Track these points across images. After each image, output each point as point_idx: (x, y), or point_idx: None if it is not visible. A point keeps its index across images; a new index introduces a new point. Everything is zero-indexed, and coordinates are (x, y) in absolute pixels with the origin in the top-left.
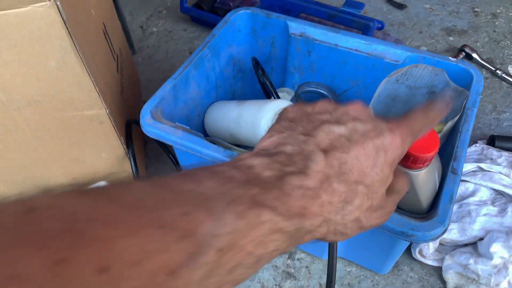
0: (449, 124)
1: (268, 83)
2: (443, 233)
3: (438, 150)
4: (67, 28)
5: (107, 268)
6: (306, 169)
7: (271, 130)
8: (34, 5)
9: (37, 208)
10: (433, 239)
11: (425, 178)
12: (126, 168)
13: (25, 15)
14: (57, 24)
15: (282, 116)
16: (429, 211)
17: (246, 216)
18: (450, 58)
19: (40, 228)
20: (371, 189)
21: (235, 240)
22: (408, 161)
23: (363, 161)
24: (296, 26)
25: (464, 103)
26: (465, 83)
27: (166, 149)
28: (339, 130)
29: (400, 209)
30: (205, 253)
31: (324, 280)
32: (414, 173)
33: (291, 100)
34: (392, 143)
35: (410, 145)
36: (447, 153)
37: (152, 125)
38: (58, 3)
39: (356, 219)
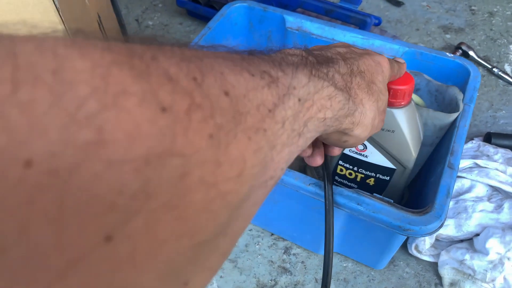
0: (452, 116)
1: None
2: (440, 227)
3: (414, 86)
4: (60, 16)
5: (228, 93)
6: (336, 63)
7: None
8: None
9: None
10: (430, 234)
11: (408, 116)
12: None
13: (18, 3)
14: (51, 12)
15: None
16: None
17: (312, 79)
18: (447, 53)
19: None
20: (380, 92)
21: (308, 95)
22: (389, 96)
23: (369, 67)
24: (293, 20)
25: (456, 97)
26: (462, 79)
27: None
28: (347, 49)
29: (391, 153)
30: (289, 99)
31: (320, 275)
32: (397, 110)
33: None
34: (384, 61)
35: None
36: (444, 148)
37: None
38: None
39: (375, 112)
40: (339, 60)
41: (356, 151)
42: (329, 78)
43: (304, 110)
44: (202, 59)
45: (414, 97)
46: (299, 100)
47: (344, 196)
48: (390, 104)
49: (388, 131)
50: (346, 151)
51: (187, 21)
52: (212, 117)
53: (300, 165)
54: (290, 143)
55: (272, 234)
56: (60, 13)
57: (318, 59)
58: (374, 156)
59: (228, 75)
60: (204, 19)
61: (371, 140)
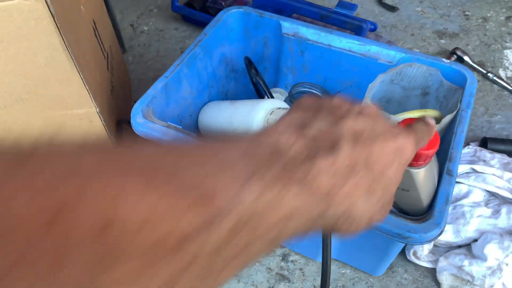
0: (447, 118)
1: (261, 82)
2: (440, 234)
3: (438, 148)
4: (55, 23)
5: (110, 224)
6: (336, 151)
7: (290, 113)
8: None
9: (36, 154)
10: (430, 241)
11: (425, 176)
12: None
13: (12, 9)
14: (45, 19)
15: (298, 104)
16: (428, 210)
17: (274, 188)
18: (444, 59)
19: (38, 174)
20: (388, 186)
21: (259, 210)
22: None
23: (383, 158)
24: (289, 26)
25: (459, 100)
26: (458, 84)
27: None
28: (364, 124)
29: (401, 208)
30: (224, 220)
31: (318, 282)
32: (415, 170)
33: (284, 101)
34: (407, 147)
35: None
36: (442, 154)
37: (143, 125)
38: None
39: (373, 211)
40: (345, 145)
41: None
42: (308, 181)
43: (248, 228)
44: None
45: (432, 112)
46: (241, 219)
47: None
48: (409, 165)
49: (403, 190)
50: None
51: (182, 26)
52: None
53: None
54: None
55: None
56: (55, 19)
57: (304, 150)
58: None
59: (130, 195)
60: (200, 24)
61: None
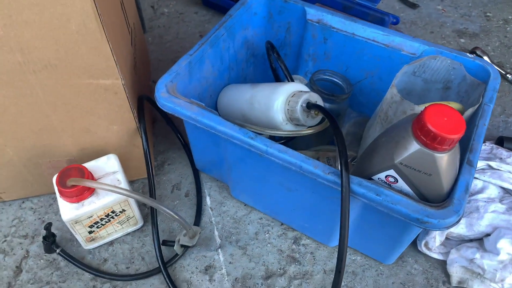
0: (470, 110)
1: (283, 66)
2: (458, 222)
3: (464, 133)
4: (95, 2)
5: None
6: None
7: None
8: None
9: None
10: (447, 227)
11: (448, 161)
12: (135, 142)
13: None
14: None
15: None
16: (447, 197)
17: None
18: (468, 54)
19: None
20: None
21: None
22: (435, 142)
23: None
24: (314, 13)
25: (481, 94)
26: (482, 80)
27: (176, 130)
28: None
29: (421, 193)
30: None
31: (328, 266)
32: (439, 155)
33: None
34: None
35: None
36: (462, 146)
37: (167, 99)
38: None
39: None
40: None
41: (385, 181)
42: None
43: None
44: None
45: (454, 104)
46: None
47: (363, 186)
48: (433, 148)
49: (425, 174)
50: (375, 178)
51: (202, 10)
52: None
53: (313, 156)
54: None
55: (282, 224)
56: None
57: None
58: (402, 187)
59: None
60: (219, 9)
61: (404, 176)
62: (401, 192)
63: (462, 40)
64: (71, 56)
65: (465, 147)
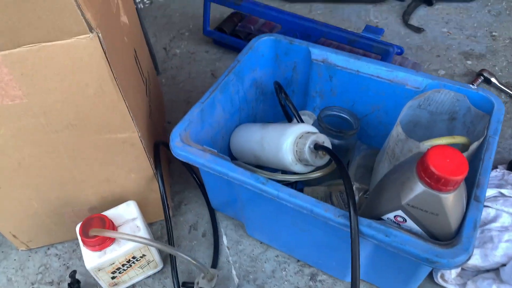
0: (475, 144)
1: (291, 106)
2: (468, 260)
3: (467, 174)
4: (106, 58)
5: None
6: None
7: None
8: (78, 37)
9: None
10: (457, 266)
11: (454, 201)
12: (153, 187)
13: (69, 46)
14: (98, 54)
15: None
16: (457, 234)
17: None
18: (471, 85)
19: None
20: None
21: None
22: (439, 183)
23: None
24: (318, 52)
25: (486, 126)
26: (485, 111)
27: (191, 170)
28: None
29: (430, 231)
30: None
31: None
32: (444, 195)
33: (313, 123)
34: None
35: None
36: (470, 180)
37: (181, 148)
38: (100, 35)
39: None
40: None
41: (394, 220)
42: None
43: None
44: None
45: (460, 138)
46: None
47: (373, 228)
48: (438, 189)
49: (432, 213)
50: (384, 217)
51: (212, 49)
52: None
53: (325, 191)
54: None
55: (298, 261)
56: (106, 54)
57: None
58: (411, 227)
59: None
60: (229, 47)
61: (412, 216)
62: (410, 231)
63: (469, 62)
64: (90, 116)
65: (472, 182)
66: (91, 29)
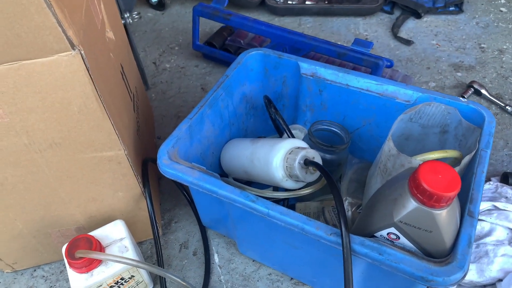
0: (466, 158)
1: (281, 120)
2: (463, 277)
3: (460, 189)
4: (89, 75)
5: None
6: None
7: None
8: (60, 54)
9: None
10: (453, 285)
11: (448, 217)
12: (142, 206)
13: (51, 64)
14: (81, 72)
15: None
16: (452, 250)
17: None
18: (461, 98)
19: None
20: None
21: None
22: (432, 200)
23: None
24: (307, 67)
25: (478, 139)
26: (476, 123)
27: (181, 187)
28: None
29: (424, 248)
30: None
31: None
32: (437, 212)
33: (303, 138)
34: None
35: None
36: (463, 195)
37: (169, 166)
38: (82, 52)
39: None
40: None
41: (388, 238)
42: None
43: None
44: None
45: (452, 152)
46: None
47: (366, 246)
48: (431, 206)
49: (426, 231)
50: (377, 234)
51: (202, 63)
52: None
53: (318, 206)
54: None
55: (292, 279)
56: (89, 71)
57: None
58: (405, 244)
59: None
60: (219, 61)
61: (405, 234)
62: (404, 249)
63: (459, 74)
64: (74, 134)
65: (465, 197)
66: (73, 46)
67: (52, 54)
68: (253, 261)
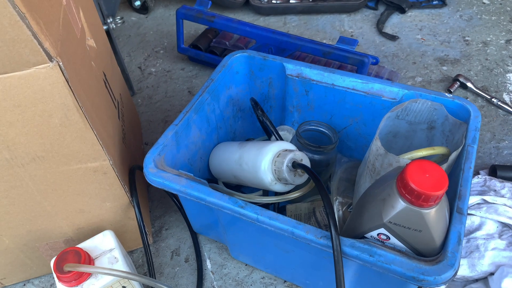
0: (453, 154)
1: (268, 123)
2: (454, 275)
3: (447, 188)
4: (69, 86)
5: None
6: None
7: None
8: (37, 67)
9: None
10: (445, 283)
11: (437, 216)
12: (130, 215)
13: (28, 77)
14: (60, 83)
15: None
16: (442, 248)
17: None
18: (447, 94)
19: None
20: None
21: None
22: (420, 199)
23: None
24: (293, 68)
25: (464, 135)
26: (462, 119)
27: (170, 193)
28: None
29: (415, 248)
30: None
31: None
32: (425, 211)
33: (292, 139)
34: None
35: None
36: (451, 192)
37: (155, 174)
38: (61, 63)
39: None
40: None
41: (378, 238)
42: None
43: None
44: None
45: (440, 149)
46: None
47: (356, 248)
48: (419, 205)
49: (415, 230)
50: (367, 235)
51: (188, 66)
52: None
53: (309, 207)
54: None
55: (285, 282)
56: (69, 83)
57: None
58: (395, 244)
59: None
60: (205, 63)
61: (395, 234)
62: (394, 249)
63: (445, 68)
64: (57, 146)
65: (453, 194)
66: (50, 58)
67: (29, 67)
68: (246, 265)
